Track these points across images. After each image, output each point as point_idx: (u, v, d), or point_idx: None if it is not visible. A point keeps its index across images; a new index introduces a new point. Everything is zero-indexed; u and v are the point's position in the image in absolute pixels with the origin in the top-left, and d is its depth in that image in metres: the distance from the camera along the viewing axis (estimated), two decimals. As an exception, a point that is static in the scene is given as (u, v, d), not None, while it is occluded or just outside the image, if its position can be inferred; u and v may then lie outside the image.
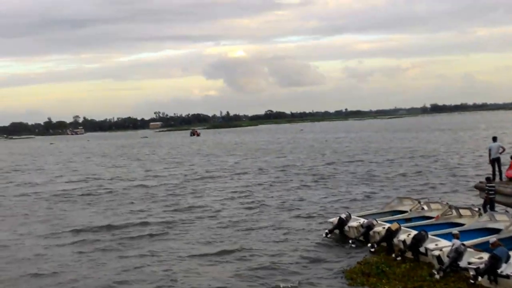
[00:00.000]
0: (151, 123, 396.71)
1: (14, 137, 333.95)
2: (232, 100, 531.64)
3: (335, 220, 20.43)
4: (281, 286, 14.66)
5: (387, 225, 18.70)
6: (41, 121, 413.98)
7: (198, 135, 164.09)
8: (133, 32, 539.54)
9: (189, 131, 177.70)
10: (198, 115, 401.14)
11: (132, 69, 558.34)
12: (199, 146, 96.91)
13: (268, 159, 56.85)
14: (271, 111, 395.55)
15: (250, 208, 26.74)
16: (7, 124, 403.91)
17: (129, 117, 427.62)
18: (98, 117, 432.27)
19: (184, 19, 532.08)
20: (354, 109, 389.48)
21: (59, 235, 21.48)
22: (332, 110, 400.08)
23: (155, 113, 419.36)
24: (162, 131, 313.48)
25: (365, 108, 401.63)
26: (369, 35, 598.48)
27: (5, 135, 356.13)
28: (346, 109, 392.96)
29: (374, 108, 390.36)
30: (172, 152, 79.13)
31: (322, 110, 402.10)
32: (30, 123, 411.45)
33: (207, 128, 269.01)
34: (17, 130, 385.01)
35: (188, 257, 17.59)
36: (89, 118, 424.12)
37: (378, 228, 18.88)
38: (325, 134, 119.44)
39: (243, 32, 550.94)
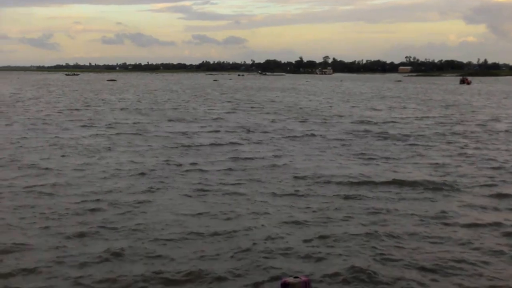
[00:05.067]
0: (400, 67, 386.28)
1: (267, 73, 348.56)
2: (492, 48, 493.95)
3: None
4: None
5: None
6: (293, 59, 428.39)
7: (468, 83, 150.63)
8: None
9: (443, 78, 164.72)
10: (452, 61, 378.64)
11: (386, 12, 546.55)
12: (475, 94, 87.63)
13: None
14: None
15: None
16: (262, 61, 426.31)
17: (378, 60, 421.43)
18: (347, 58, 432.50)
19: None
20: None
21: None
22: None
23: (406, 57, 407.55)
24: (411, 75, 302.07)
25: None
26: None
27: (259, 71, 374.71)
28: None
29: None
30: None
31: None
32: (283, 61, 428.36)
33: (459, 75, 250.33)
34: (270, 67, 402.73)
35: None
36: (338, 59, 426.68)
37: None
38: None
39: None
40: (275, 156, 25.12)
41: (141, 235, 13.52)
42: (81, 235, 13.49)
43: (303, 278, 7.86)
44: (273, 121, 41.89)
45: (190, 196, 17.45)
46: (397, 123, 40.37)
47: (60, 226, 14.12)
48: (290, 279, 7.78)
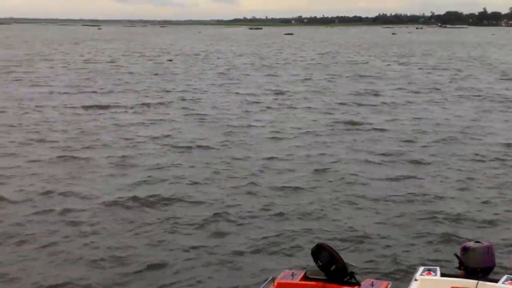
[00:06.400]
0: None
1: (447, 26, 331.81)
2: None
3: None
4: None
5: None
6: (475, 11, 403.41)
7: None
8: None
9: None
10: None
11: None
12: None
13: None
14: None
15: None
16: (442, 13, 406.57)
17: None
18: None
19: None
20: None
21: None
22: None
23: None
24: None
25: None
26: None
27: (439, 24, 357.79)
28: None
29: None
30: None
31: None
32: (464, 12, 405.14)
33: None
34: (451, 19, 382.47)
35: None
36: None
37: None
38: None
39: None
40: (473, 120, 23.79)
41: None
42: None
43: (485, 243, 7.32)
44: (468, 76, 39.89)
45: (374, 162, 17.08)
46: None
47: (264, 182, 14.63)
48: (471, 244, 7.29)
